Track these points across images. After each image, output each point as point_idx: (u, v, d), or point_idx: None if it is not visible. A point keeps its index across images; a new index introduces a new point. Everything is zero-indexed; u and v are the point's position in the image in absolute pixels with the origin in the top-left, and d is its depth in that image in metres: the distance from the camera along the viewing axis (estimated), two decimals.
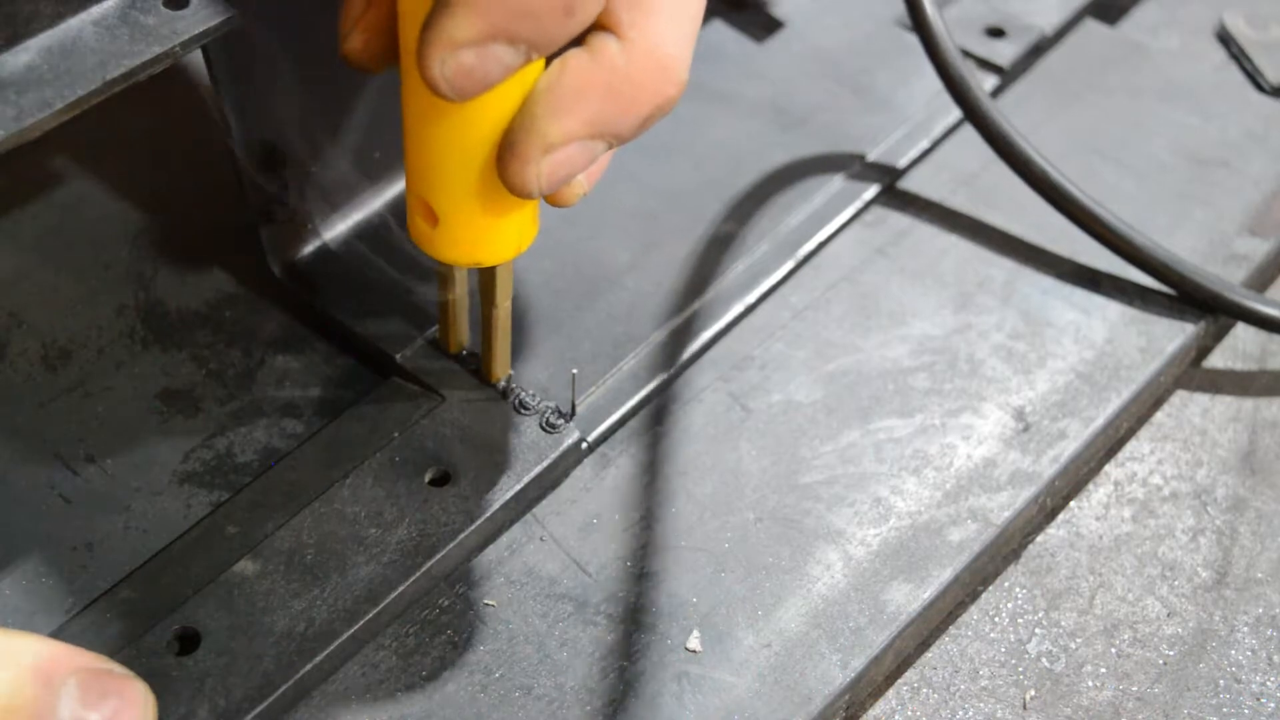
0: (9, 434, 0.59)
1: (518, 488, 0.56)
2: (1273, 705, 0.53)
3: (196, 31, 0.48)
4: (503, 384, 0.58)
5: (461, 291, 0.57)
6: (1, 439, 0.59)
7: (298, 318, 0.63)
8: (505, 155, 0.45)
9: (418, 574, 0.53)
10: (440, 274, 0.56)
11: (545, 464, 0.56)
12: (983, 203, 0.68)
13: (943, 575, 0.55)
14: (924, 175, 0.70)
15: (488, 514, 0.55)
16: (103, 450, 0.59)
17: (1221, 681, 0.54)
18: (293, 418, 0.60)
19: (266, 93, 0.57)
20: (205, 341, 0.62)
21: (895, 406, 0.60)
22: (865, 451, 0.59)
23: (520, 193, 0.45)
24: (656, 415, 0.60)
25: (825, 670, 0.52)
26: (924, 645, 0.55)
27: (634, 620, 0.54)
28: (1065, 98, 0.73)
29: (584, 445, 0.58)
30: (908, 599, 0.54)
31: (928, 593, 0.54)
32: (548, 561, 0.55)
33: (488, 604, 0.54)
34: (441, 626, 0.54)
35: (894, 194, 0.69)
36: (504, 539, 0.56)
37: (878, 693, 0.54)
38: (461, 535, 0.54)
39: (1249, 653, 0.55)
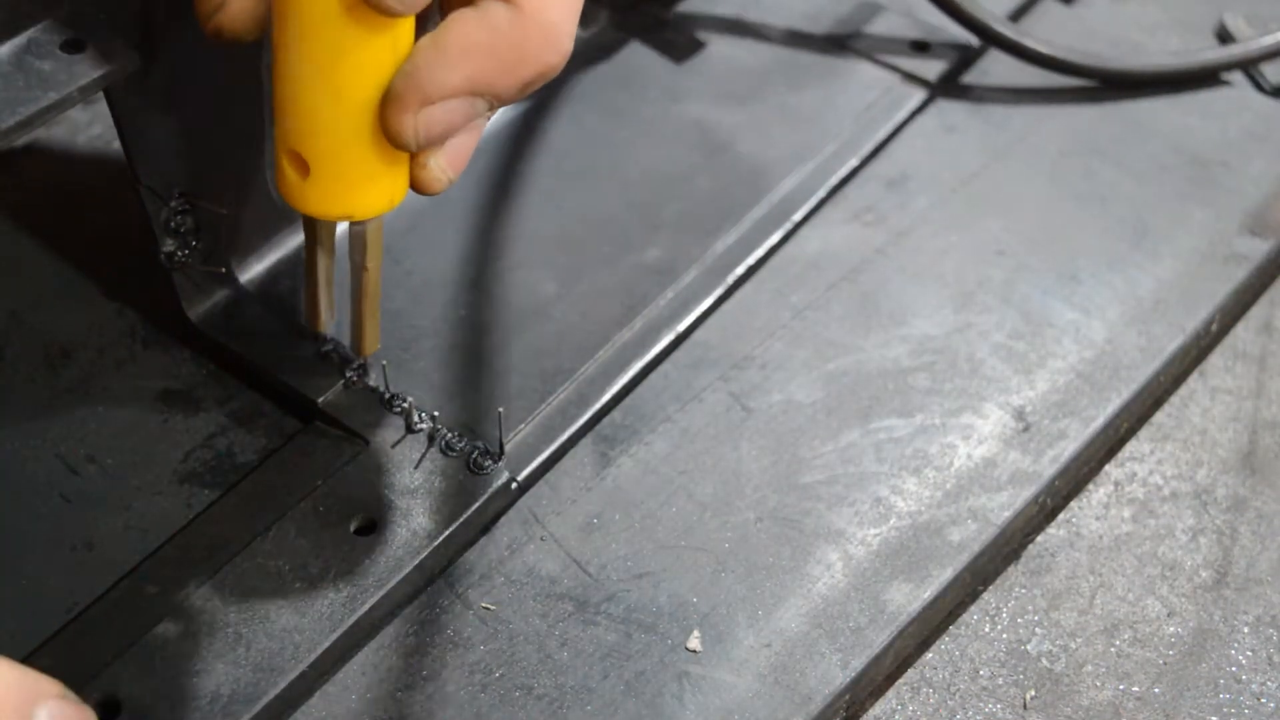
0: (9, 434, 0.59)
1: (446, 533, 0.54)
2: (1273, 705, 0.53)
3: (95, 76, 0.46)
4: (370, 364, 0.58)
5: (329, 261, 0.55)
6: (1, 439, 0.59)
7: (214, 361, 0.61)
8: (386, 104, 0.46)
9: (345, 627, 0.52)
10: (307, 242, 0.55)
11: (474, 508, 0.55)
12: (983, 203, 0.68)
13: (943, 575, 0.55)
14: (924, 175, 0.70)
15: (416, 562, 0.53)
16: (103, 450, 0.59)
17: (1221, 681, 0.54)
18: (218, 465, 0.58)
19: (173, 133, 0.55)
20: (119, 388, 0.61)
21: (895, 406, 0.60)
22: (865, 451, 0.59)
23: (399, 143, 0.46)
24: (657, 416, 0.60)
25: (825, 670, 0.52)
26: (924, 645, 0.55)
27: (634, 620, 0.54)
28: (1065, 97, 0.73)
29: (514, 485, 0.56)
30: (908, 599, 0.54)
31: (928, 593, 0.54)
32: (548, 561, 0.55)
33: (487, 606, 0.54)
34: (441, 626, 0.53)
35: (891, 190, 0.69)
36: (504, 539, 0.56)
37: (878, 693, 0.54)
38: (389, 585, 0.53)
39: (1249, 653, 0.55)
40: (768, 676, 0.52)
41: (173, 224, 0.57)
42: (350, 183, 0.48)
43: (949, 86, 0.74)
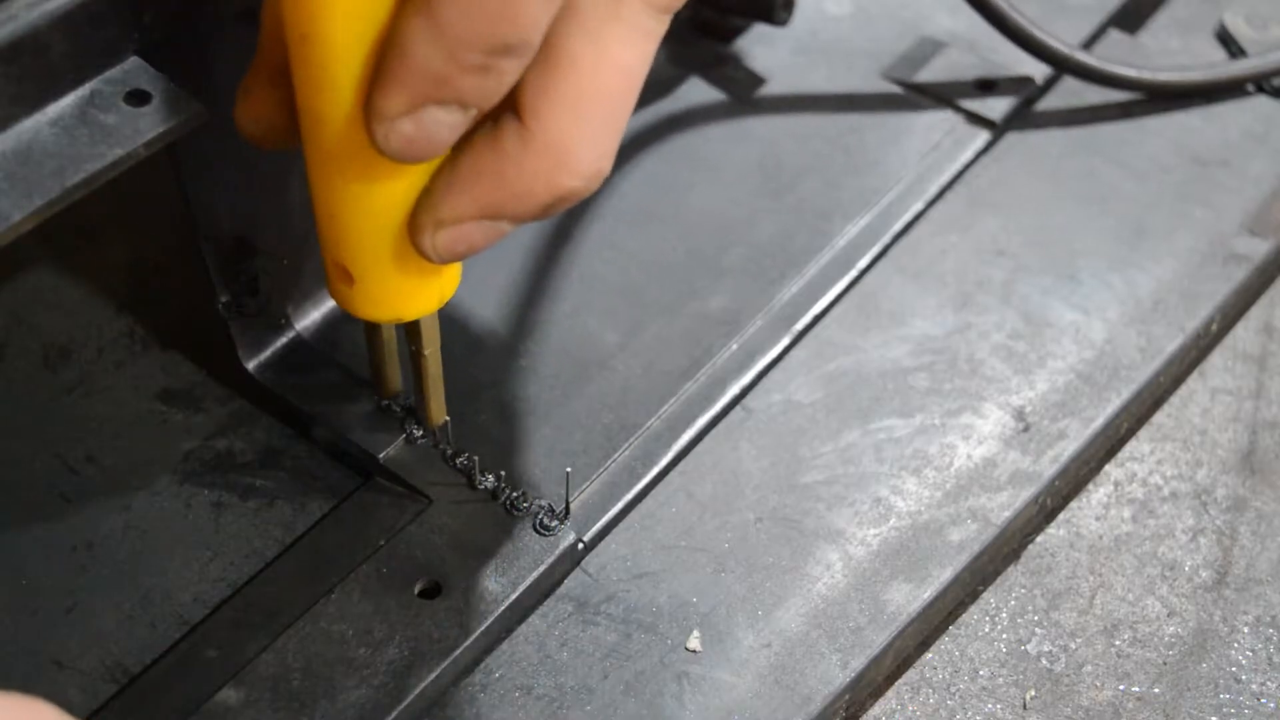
0: (9, 434, 0.59)
1: (513, 597, 0.53)
2: (1273, 705, 0.53)
3: (161, 130, 0.44)
4: (434, 432, 0.57)
5: (390, 340, 0.55)
6: (1, 439, 0.59)
7: (271, 413, 0.60)
8: (408, 224, 0.45)
9: (411, 696, 0.50)
10: (366, 324, 0.54)
11: (541, 570, 0.54)
12: (983, 203, 0.68)
13: (943, 575, 0.55)
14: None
15: (483, 627, 0.52)
16: (103, 450, 0.59)
17: (1221, 681, 0.54)
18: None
19: (235, 183, 0.54)
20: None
21: (895, 406, 0.60)
22: (865, 451, 0.59)
23: (423, 258, 0.45)
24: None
25: (825, 670, 0.52)
26: (924, 645, 0.55)
27: (634, 620, 0.54)
28: (1065, 96, 0.73)
29: (580, 545, 0.55)
30: (908, 599, 0.54)
31: (928, 593, 0.54)
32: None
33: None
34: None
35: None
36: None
37: (878, 693, 0.54)
38: (456, 652, 0.51)
39: (1249, 653, 0.55)
40: (768, 676, 0.52)
41: (231, 273, 0.56)
42: (395, 289, 0.48)
43: (1013, 126, 0.72)
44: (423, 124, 0.41)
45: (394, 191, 0.44)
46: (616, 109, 0.42)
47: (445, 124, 0.41)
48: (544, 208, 0.43)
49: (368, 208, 0.45)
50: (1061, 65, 0.70)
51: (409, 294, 0.48)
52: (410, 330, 0.53)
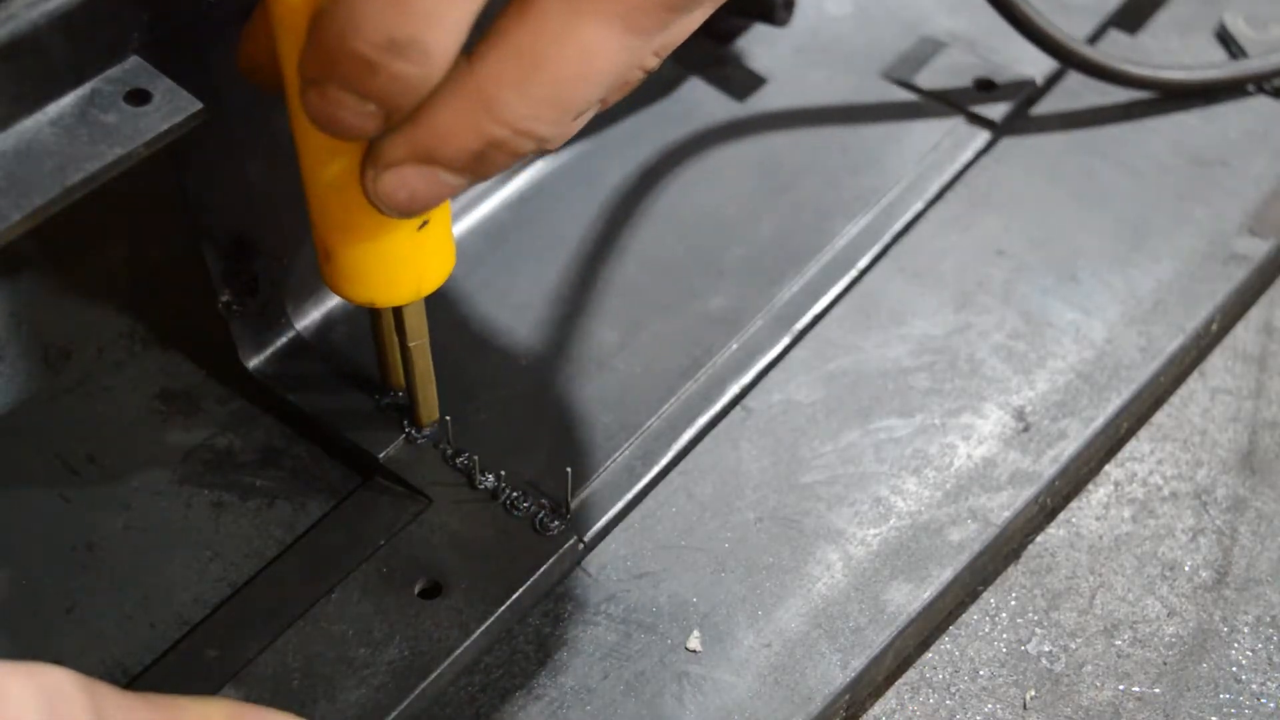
0: (9, 434, 0.59)
1: (513, 597, 0.53)
2: (1273, 705, 0.53)
3: (161, 129, 0.44)
4: (433, 432, 0.57)
5: (388, 330, 0.55)
6: (1, 439, 0.59)
7: (270, 412, 0.60)
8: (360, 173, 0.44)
9: (411, 696, 0.50)
10: (369, 312, 0.55)
11: (541, 570, 0.54)
12: (983, 203, 0.68)
13: (943, 575, 0.55)
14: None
15: (483, 627, 0.52)
16: (103, 450, 0.59)
17: (1221, 681, 0.54)
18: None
19: (235, 182, 0.54)
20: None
21: (895, 406, 0.60)
22: (865, 451, 0.59)
23: (375, 209, 0.44)
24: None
25: (825, 670, 0.52)
26: (924, 645, 0.55)
27: (634, 620, 0.54)
28: (1065, 97, 0.73)
29: (580, 545, 0.55)
30: (908, 599, 0.54)
31: (928, 593, 0.54)
32: None
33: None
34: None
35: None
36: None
37: (878, 693, 0.54)
38: (456, 652, 0.51)
39: (1249, 653, 0.55)
40: (768, 676, 0.52)
41: (231, 273, 0.56)
42: (367, 272, 0.48)
43: (1013, 126, 0.72)
44: (327, 97, 0.40)
45: (351, 161, 0.44)
46: (567, 81, 0.41)
47: (349, 108, 0.40)
48: (472, 156, 0.42)
49: (328, 176, 0.45)
50: (1068, 59, 0.70)
51: (380, 277, 0.49)
52: (396, 320, 0.53)
